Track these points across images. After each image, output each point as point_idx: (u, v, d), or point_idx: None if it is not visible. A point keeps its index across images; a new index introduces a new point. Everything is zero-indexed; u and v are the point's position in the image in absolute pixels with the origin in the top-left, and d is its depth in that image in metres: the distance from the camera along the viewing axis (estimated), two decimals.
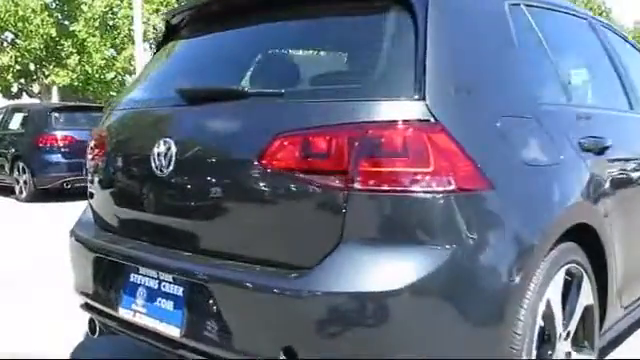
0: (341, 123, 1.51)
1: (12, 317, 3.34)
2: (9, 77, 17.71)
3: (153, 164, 1.83)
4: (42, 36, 16.35)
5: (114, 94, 19.62)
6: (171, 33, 2.35)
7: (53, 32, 16.59)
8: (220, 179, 1.69)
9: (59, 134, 8.78)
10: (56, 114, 9.10)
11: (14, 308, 3.51)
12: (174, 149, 1.78)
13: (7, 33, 17.32)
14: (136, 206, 1.96)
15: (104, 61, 17.61)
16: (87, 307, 2.17)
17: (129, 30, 18.33)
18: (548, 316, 1.70)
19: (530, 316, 1.59)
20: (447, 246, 1.45)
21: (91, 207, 2.27)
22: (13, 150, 9.18)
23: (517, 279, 1.54)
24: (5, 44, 17.70)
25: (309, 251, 1.52)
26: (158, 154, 1.82)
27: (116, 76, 18.83)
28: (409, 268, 1.44)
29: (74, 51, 17.09)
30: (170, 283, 1.78)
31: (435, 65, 1.54)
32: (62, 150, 8.71)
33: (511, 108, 1.74)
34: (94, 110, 10.00)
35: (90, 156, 2.29)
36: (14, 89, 19.17)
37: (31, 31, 16.14)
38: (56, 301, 3.55)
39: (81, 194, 8.58)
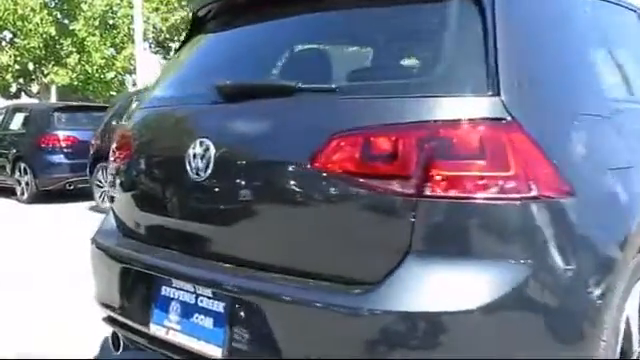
0: (407, 122, 1.35)
1: (14, 318, 3.30)
2: (8, 77, 17.48)
3: (188, 167, 1.67)
4: (41, 35, 16.13)
5: (114, 94, 19.43)
6: (197, 26, 2.19)
7: (52, 31, 16.37)
8: (266, 184, 1.54)
9: (61, 134, 8.60)
10: (58, 114, 8.93)
11: (17, 309, 3.46)
12: (213, 150, 1.62)
13: (5, 32, 17.11)
14: (168, 212, 1.80)
15: (104, 60, 17.39)
16: (110, 321, 2.02)
17: (129, 29, 18.16)
18: (627, 334, 1.55)
19: (612, 335, 1.44)
20: (527, 260, 1.30)
21: (114, 213, 2.11)
22: (14, 151, 9.00)
23: (600, 295, 1.39)
24: (4, 43, 17.49)
25: (371, 264, 1.37)
26: (194, 156, 1.66)
27: (116, 76, 18.62)
28: (486, 285, 1.28)
29: (74, 50, 16.87)
30: (209, 298, 1.62)
31: (507, 57, 1.38)
32: (65, 151, 8.54)
33: (585, 106, 1.59)
34: (97, 110, 9.84)
35: (112, 158, 2.13)
36: (13, 89, 18.94)
37: (30, 30, 15.92)
38: (59, 303, 3.52)
39: (84, 195, 8.50)
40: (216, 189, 1.63)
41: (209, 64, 2.01)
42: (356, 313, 1.31)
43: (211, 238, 1.67)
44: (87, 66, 17.13)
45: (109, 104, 9.80)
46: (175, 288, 1.72)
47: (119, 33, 18.27)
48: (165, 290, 1.75)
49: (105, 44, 17.45)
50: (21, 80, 18.47)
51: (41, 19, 15.97)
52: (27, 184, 8.71)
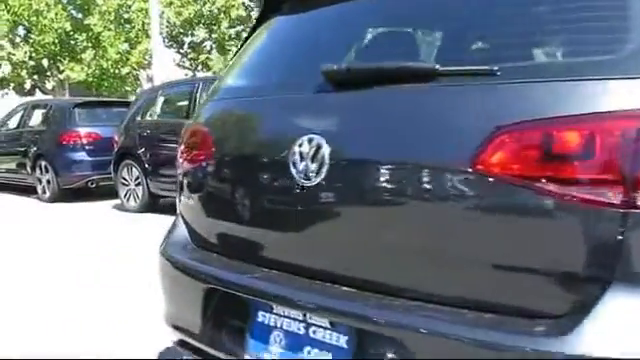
0: (604, 111, 1.05)
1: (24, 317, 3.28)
2: (23, 73, 17.27)
3: (293, 169, 1.38)
4: (56, 30, 15.90)
5: (128, 89, 19.21)
6: (273, 6, 1.89)
7: (68, 26, 16.13)
8: (403, 191, 1.24)
9: (83, 131, 8.36)
10: (79, 110, 8.68)
11: (44, 310, 3.38)
12: (326, 149, 1.33)
13: (19, 28, 16.91)
14: (265, 224, 1.51)
15: (119, 55, 17.14)
16: (184, 345, 1.74)
17: (143, 24, 17.93)
18: None
19: None
20: None
21: (185, 222, 1.82)
22: (35, 148, 8.78)
23: None
24: (18, 39, 17.28)
25: (556, 292, 1.07)
26: (301, 156, 1.37)
27: (130, 71, 18.39)
28: None
29: (89, 45, 16.62)
30: (325, 329, 1.33)
31: None
32: (86, 147, 8.30)
33: None
34: (118, 105, 9.61)
35: (182, 158, 1.84)
36: (27, 86, 18.75)
37: (45, 25, 15.69)
38: (87, 305, 3.43)
39: (107, 194, 8.33)
40: (332, 196, 1.34)
41: (298, 47, 1.71)
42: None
43: (324, 256, 1.37)
44: (102, 61, 16.87)
45: (129, 100, 9.55)
46: (277, 315, 1.43)
47: (133, 28, 18.04)
48: (263, 317, 1.46)
49: (119, 39, 17.20)
50: (35, 77, 18.26)
51: (56, 14, 15.73)
52: (48, 182, 8.50)
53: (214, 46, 21.17)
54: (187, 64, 21.56)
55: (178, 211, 1.91)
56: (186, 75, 20.71)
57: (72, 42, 16.75)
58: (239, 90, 1.78)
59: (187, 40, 21.43)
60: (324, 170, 1.33)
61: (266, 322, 1.46)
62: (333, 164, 1.32)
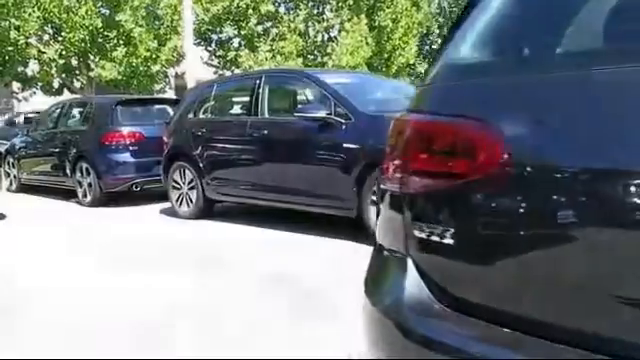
0: None
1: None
2: (52, 71, 16.80)
3: None
4: (87, 27, 15.39)
5: (158, 87, 18.69)
6: None
7: (99, 23, 15.63)
8: None
9: (126, 130, 7.77)
10: (121, 108, 8.09)
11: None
12: None
13: (48, 26, 16.46)
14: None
15: (149, 53, 16.59)
16: None
17: (172, 20, 17.43)
18: None
19: None
20: None
21: (420, 270, 1.19)
22: (75, 150, 8.21)
23: None
24: (47, 37, 16.82)
25: None
26: None
27: (161, 69, 17.86)
28: None
29: (121, 43, 16.09)
30: None
31: None
32: (130, 148, 7.71)
33: None
34: (161, 103, 9.07)
35: (410, 171, 1.21)
36: (55, 85, 18.26)
37: (75, 22, 15.19)
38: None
39: (153, 198, 7.81)
40: None
41: None
42: None
43: None
44: (133, 59, 16.33)
45: (173, 97, 8.99)
46: None
47: (162, 24, 17.55)
48: None
49: (149, 36, 16.68)
50: (64, 75, 17.78)
51: (86, 11, 15.23)
52: (90, 185, 7.94)
53: (243, 43, 20.60)
54: (215, 62, 21.02)
55: (400, 247, 1.28)
56: (215, 73, 20.20)
57: (102, 39, 16.24)
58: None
59: (215, 37, 20.88)
60: None
61: None
62: None
